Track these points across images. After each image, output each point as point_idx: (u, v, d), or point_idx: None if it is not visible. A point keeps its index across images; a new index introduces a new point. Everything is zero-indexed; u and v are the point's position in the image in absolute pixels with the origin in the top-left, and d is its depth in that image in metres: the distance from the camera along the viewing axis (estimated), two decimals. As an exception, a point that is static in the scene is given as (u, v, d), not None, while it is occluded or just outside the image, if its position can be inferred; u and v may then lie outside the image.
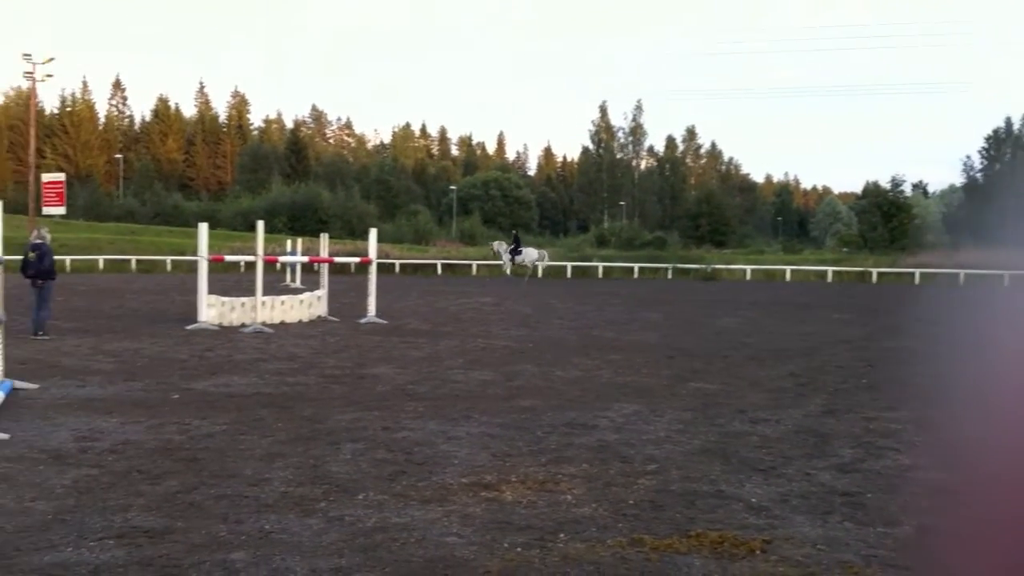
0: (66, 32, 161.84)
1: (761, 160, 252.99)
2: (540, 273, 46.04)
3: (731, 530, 5.66)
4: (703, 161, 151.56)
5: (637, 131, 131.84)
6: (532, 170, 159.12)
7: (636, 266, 55.25)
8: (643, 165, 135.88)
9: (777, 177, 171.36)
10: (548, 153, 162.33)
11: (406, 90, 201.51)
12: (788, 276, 51.67)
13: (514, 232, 54.71)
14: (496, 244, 49.43)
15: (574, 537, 5.49)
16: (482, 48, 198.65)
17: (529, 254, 45.58)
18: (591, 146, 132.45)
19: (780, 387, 11.97)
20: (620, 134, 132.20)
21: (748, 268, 54.89)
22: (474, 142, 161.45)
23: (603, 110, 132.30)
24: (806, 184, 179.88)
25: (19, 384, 10.64)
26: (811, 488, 6.76)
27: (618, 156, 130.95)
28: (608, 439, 8.38)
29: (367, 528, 5.59)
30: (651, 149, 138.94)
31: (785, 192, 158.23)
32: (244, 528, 5.52)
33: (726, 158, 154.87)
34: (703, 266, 55.68)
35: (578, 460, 7.51)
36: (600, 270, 54.40)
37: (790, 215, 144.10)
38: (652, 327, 20.82)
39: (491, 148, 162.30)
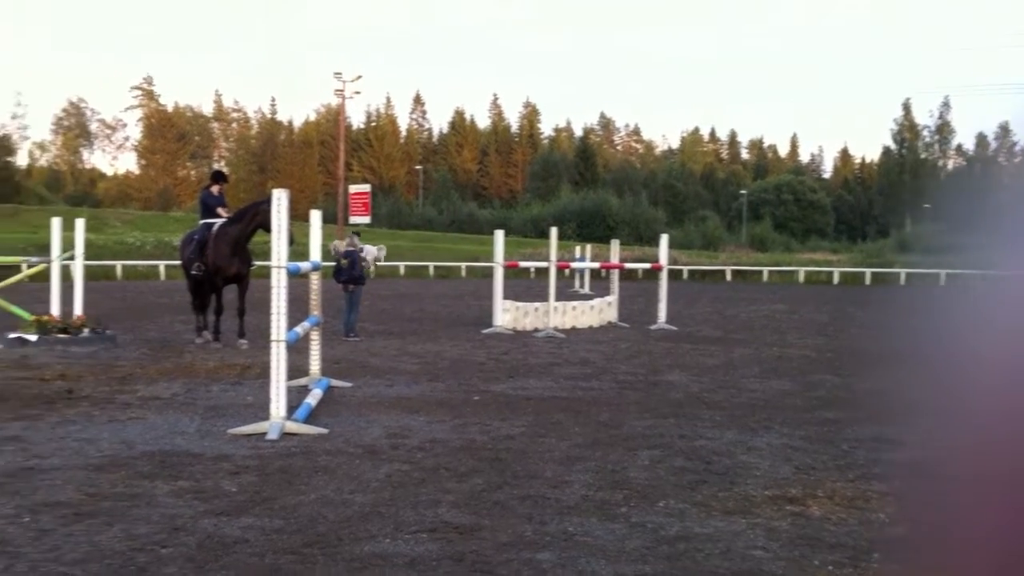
0: (371, 51, 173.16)
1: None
2: (374, 269, 47.32)
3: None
4: (1018, 160, 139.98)
5: (944, 129, 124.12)
6: (828, 173, 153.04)
7: (942, 272, 51.93)
8: (951, 165, 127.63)
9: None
10: (845, 154, 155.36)
11: (696, 95, 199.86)
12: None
13: (356, 233, 55.66)
14: (335, 243, 50.46)
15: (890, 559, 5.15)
16: (773, 50, 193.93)
17: (369, 251, 46.64)
18: (893, 146, 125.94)
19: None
20: (925, 133, 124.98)
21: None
22: (765, 145, 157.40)
23: (906, 108, 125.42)
24: None
25: (335, 382, 11.40)
26: None
27: (922, 156, 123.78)
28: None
29: (670, 536, 5.50)
30: (959, 148, 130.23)
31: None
32: (548, 529, 5.59)
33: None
34: (1021, 272, 51.48)
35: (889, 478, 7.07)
36: (902, 276, 51.59)
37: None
38: (963, 337, 19.41)
39: (783, 151, 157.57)
